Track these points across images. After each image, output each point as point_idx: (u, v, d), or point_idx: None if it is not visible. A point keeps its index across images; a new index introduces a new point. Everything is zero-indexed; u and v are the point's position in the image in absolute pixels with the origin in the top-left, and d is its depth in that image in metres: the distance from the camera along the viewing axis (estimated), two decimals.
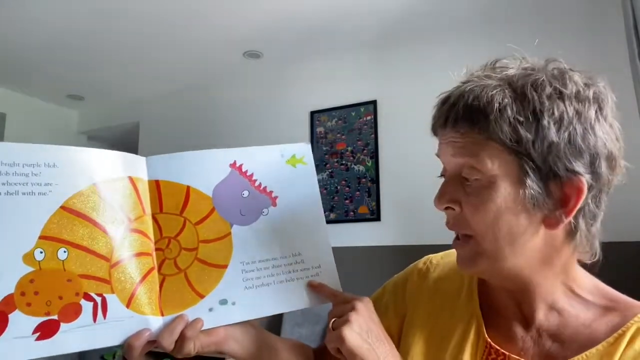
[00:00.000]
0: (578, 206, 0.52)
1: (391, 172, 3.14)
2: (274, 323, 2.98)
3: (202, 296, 0.62)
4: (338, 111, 3.40)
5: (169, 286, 0.61)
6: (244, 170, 0.68)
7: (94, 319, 0.55)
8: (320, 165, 3.40)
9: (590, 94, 0.53)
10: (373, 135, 3.23)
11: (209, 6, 2.76)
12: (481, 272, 0.59)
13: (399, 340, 0.70)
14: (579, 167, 0.51)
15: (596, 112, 0.52)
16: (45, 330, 0.53)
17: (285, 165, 0.71)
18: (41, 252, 0.54)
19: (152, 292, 0.60)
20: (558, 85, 0.52)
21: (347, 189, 3.28)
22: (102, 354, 3.15)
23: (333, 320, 0.59)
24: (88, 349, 0.55)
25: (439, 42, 3.07)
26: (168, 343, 0.58)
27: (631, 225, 2.28)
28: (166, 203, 0.64)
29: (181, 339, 0.59)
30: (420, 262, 0.77)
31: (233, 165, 0.68)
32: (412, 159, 2.99)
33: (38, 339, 0.52)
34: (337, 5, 2.76)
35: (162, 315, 0.60)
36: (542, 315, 0.59)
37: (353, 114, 3.34)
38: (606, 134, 0.53)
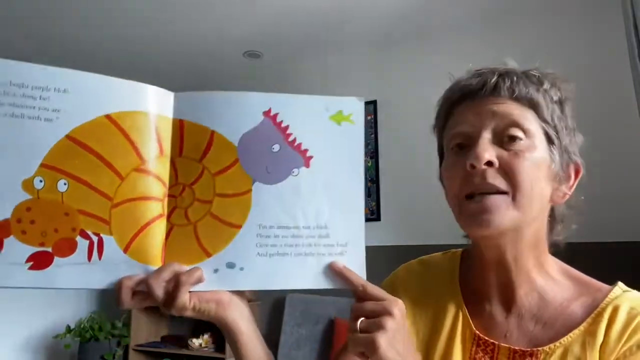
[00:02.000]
0: (576, 183, 0.63)
1: (391, 172, 3.16)
2: (274, 323, 3.03)
3: (209, 254, 0.56)
4: None
5: (175, 237, 0.56)
6: (278, 120, 0.59)
7: (89, 258, 0.52)
8: None
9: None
10: (373, 135, 3.22)
11: (208, 6, 2.77)
12: (504, 228, 0.58)
13: None
14: (577, 150, 0.63)
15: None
16: (39, 261, 0.51)
17: (328, 121, 0.60)
18: (41, 181, 0.51)
19: (156, 240, 0.55)
20: (568, 88, 0.63)
21: None
22: (103, 354, 3.26)
23: (361, 320, 0.53)
24: (80, 287, 0.53)
25: (439, 42, 3.07)
26: (157, 286, 0.52)
27: (631, 225, 2.33)
28: (187, 146, 0.57)
29: (175, 287, 0.53)
30: (403, 268, 0.78)
31: (267, 113, 0.58)
32: (412, 159, 3.00)
33: (31, 268, 0.51)
34: (337, 6, 2.77)
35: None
36: (522, 296, 0.63)
37: None
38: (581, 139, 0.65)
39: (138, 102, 0.55)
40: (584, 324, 0.58)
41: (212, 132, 0.57)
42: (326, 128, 0.59)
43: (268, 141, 0.58)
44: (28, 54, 3.30)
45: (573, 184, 0.63)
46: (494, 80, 0.60)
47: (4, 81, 0.50)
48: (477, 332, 0.63)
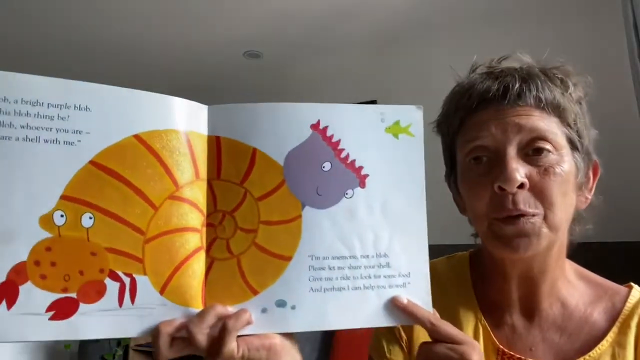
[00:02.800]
0: (595, 185, 0.60)
1: None
2: None
3: (255, 292, 0.49)
4: None
5: (217, 273, 0.49)
6: (328, 134, 0.51)
7: (120, 303, 0.45)
8: None
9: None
10: None
11: (208, 6, 2.75)
12: (539, 250, 0.55)
13: None
14: (593, 148, 0.59)
15: None
16: (61, 309, 0.43)
17: (385, 134, 0.53)
18: (62, 216, 0.43)
19: (195, 277, 0.48)
20: (580, 77, 0.59)
21: None
22: (103, 354, 3.19)
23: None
24: (110, 337, 0.45)
25: (438, 42, 3.03)
26: (200, 333, 0.45)
27: (631, 225, 2.30)
28: (225, 167, 0.50)
29: (221, 333, 0.45)
30: None
31: (315, 126, 0.51)
32: None
33: (52, 318, 0.43)
34: (337, 5, 2.74)
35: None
36: (547, 306, 0.60)
37: None
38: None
39: (168, 118, 0.48)
40: (611, 334, 0.57)
41: (254, 150, 0.50)
42: (382, 142, 0.52)
43: (318, 159, 0.51)
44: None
45: (592, 186, 0.60)
46: (517, 87, 0.55)
47: (14, 98, 0.42)
48: (501, 346, 0.59)
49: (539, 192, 0.53)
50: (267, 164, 0.50)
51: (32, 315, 0.42)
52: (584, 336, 0.58)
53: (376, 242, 0.51)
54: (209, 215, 0.49)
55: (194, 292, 0.47)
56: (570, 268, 0.63)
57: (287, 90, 3.82)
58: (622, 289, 0.61)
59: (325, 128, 0.51)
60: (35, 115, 0.43)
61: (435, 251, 0.69)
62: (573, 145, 0.56)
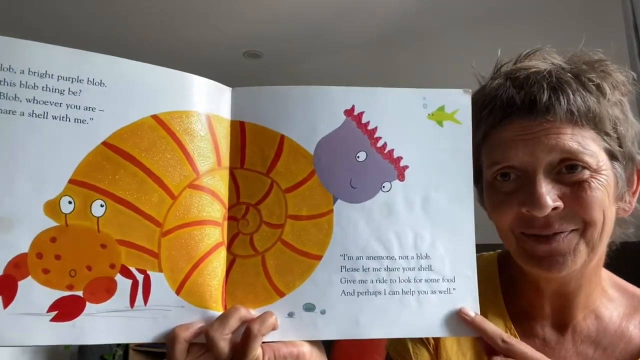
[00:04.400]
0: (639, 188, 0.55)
1: None
2: None
3: (281, 294, 0.44)
4: None
5: (239, 271, 0.44)
6: (364, 121, 0.47)
7: (131, 303, 0.40)
8: None
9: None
10: None
11: (208, 6, 2.75)
12: (575, 269, 0.51)
13: None
14: (637, 147, 0.54)
15: None
16: (65, 310, 0.38)
17: (427, 120, 0.48)
18: (70, 202, 0.38)
19: (215, 276, 0.43)
20: (619, 74, 0.53)
21: None
22: (102, 354, 3.13)
23: None
24: (118, 342, 0.40)
25: (439, 42, 2.99)
26: (222, 339, 0.40)
27: (631, 226, 2.06)
28: (250, 156, 0.45)
29: (245, 338, 0.40)
30: None
31: (350, 112, 0.47)
32: None
33: (54, 319, 0.38)
34: (337, 5, 2.71)
35: (225, 310, 0.43)
36: (581, 320, 0.57)
37: None
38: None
39: (190, 98, 0.43)
40: None
41: (282, 137, 0.45)
42: (424, 130, 0.48)
43: (352, 148, 0.46)
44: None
45: (637, 189, 0.55)
46: (545, 98, 0.49)
47: (20, 68, 0.38)
48: None
49: (576, 209, 0.49)
50: (296, 153, 0.45)
51: (31, 315, 0.37)
52: (619, 352, 0.55)
53: (416, 242, 0.46)
54: (230, 207, 0.44)
55: (213, 293, 0.42)
56: (607, 277, 0.59)
57: None
58: None
59: (361, 114, 0.47)
60: (43, 88, 0.38)
61: None
62: (612, 156, 0.51)
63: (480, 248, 0.65)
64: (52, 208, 0.38)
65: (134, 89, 0.41)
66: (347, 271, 0.45)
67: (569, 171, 0.49)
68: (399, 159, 0.47)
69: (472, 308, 0.46)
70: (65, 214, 0.38)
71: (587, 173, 0.49)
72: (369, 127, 0.47)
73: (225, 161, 0.45)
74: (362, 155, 0.46)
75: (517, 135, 0.50)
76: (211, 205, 0.43)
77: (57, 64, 0.38)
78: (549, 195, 0.48)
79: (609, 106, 0.50)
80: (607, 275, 0.60)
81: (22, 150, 0.37)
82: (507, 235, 0.53)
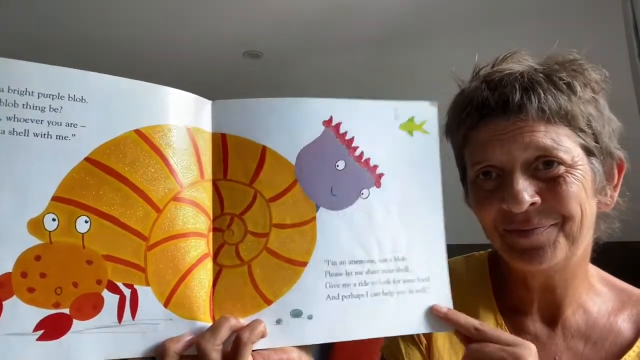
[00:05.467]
0: (620, 182, 0.57)
1: None
2: None
3: (268, 301, 0.45)
4: None
5: (226, 282, 0.44)
6: (342, 131, 0.48)
7: (119, 318, 0.40)
8: None
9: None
10: None
11: (208, 6, 2.74)
12: (556, 262, 0.52)
13: None
14: (616, 143, 0.56)
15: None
16: (52, 328, 0.38)
17: (399, 130, 0.50)
18: (54, 220, 0.38)
19: (202, 287, 0.43)
20: (593, 73, 0.55)
21: None
22: None
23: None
24: (107, 358, 0.40)
25: (439, 42, 2.96)
26: (213, 350, 0.40)
27: (631, 225, 2.05)
28: (233, 167, 0.46)
29: (235, 347, 0.41)
30: None
31: (328, 122, 0.48)
32: None
33: (41, 338, 0.38)
34: (337, 5, 2.68)
35: (214, 320, 0.44)
36: (570, 314, 0.58)
37: None
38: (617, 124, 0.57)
39: (171, 112, 0.44)
40: (638, 344, 0.55)
41: (264, 148, 0.46)
42: (397, 139, 0.50)
43: (331, 157, 0.48)
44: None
45: (618, 184, 0.57)
46: (517, 98, 0.51)
47: (0, 86, 0.37)
48: None
49: (553, 204, 0.51)
50: (278, 163, 0.46)
51: (17, 335, 0.37)
52: (609, 345, 0.56)
53: (394, 245, 0.48)
54: (215, 218, 0.45)
55: (201, 304, 0.43)
56: (595, 272, 0.61)
57: (287, 90, 3.82)
58: None
59: (338, 124, 0.48)
60: (23, 105, 0.38)
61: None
62: (589, 151, 0.53)
63: (474, 248, 0.70)
64: (36, 226, 0.38)
65: (115, 104, 0.41)
66: (332, 276, 0.46)
67: (545, 167, 0.51)
68: (375, 167, 0.49)
69: (445, 303, 0.48)
70: (50, 232, 0.38)
71: (562, 168, 0.51)
72: (347, 137, 0.49)
73: (208, 173, 0.45)
74: (341, 164, 0.48)
75: (494, 136, 0.52)
76: (196, 217, 0.43)
77: (36, 81, 0.38)
78: (526, 192, 0.50)
79: (581, 103, 0.52)
80: (594, 270, 0.61)
81: (4, 169, 0.37)
82: (491, 232, 0.55)
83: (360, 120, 0.49)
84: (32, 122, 0.38)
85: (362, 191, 0.48)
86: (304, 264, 0.46)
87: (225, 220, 0.45)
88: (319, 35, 3.15)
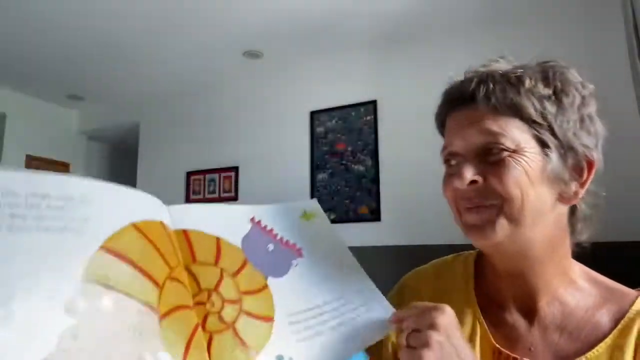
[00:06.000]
0: (590, 179, 0.58)
1: (391, 172, 3.14)
2: None
3: (257, 352, 0.53)
4: (338, 111, 3.36)
5: (218, 345, 0.51)
6: (262, 225, 0.65)
7: None
8: (320, 165, 3.34)
9: (587, 92, 0.60)
10: (373, 135, 3.23)
11: (208, 6, 2.75)
12: (498, 240, 0.57)
13: None
14: (590, 142, 0.58)
15: (593, 107, 0.60)
16: None
17: (300, 219, 0.70)
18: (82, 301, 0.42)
19: (203, 353, 0.49)
20: (569, 76, 0.59)
21: (347, 189, 3.21)
22: None
23: (409, 334, 0.52)
24: None
25: (439, 43, 3.07)
26: None
27: (631, 225, 2.28)
28: (198, 253, 0.56)
29: None
30: (406, 284, 0.77)
31: (252, 220, 0.65)
32: (412, 159, 3.00)
33: None
34: (337, 5, 2.78)
35: None
36: (545, 305, 0.60)
37: (353, 114, 3.32)
38: (601, 126, 0.60)
39: (155, 211, 0.54)
40: (611, 337, 0.55)
41: (217, 238, 0.59)
42: (302, 225, 0.69)
43: (263, 243, 0.63)
44: None
45: (586, 180, 0.58)
46: (471, 88, 0.58)
47: (28, 192, 0.43)
48: (498, 345, 0.60)
49: (494, 185, 0.56)
50: (230, 249, 0.59)
51: None
52: (585, 336, 0.56)
53: (330, 290, 0.63)
54: (194, 295, 0.53)
55: None
56: (579, 270, 0.62)
57: (286, 90, 3.53)
58: (631, 292, 0.59)
59: (259, 221, 0.65)
60: (46, 207, 0.44)
61: (439, 250, 0.78)
62: (543, 143, 0.56)
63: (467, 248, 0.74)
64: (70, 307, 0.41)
65: (115, 204, 0.49)
66: (294, 324, 0.58)
67: (491, 152, 0.57)
68: (294, 244, 0.66)
69: (386, 312, 0.62)
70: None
71: (505, 153, 0.55)
72: (267, 229, 0.65)
73: (182, 260, 0.54)
74: (271, 246, 0.64)
75: (456, 124, 0.60)
76: (185, 293, 0.51)
77: (53, 188, 0.45)
78: (470, 171, 0.57)
79: (534, 98, 0.56)
80: (579, 268, 0.63)
81: (38, 262, 0.41)
82: (454, 212, 0.61)
83: (273, 217, 0.67)
84: (55, 219, 0.44)
85: (292, 261, 0.64)
86: (272, 319, 0.57)
87: (204, 295, 0.54)
88: (319, 35, 3.12)
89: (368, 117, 3.29)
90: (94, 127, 4.74)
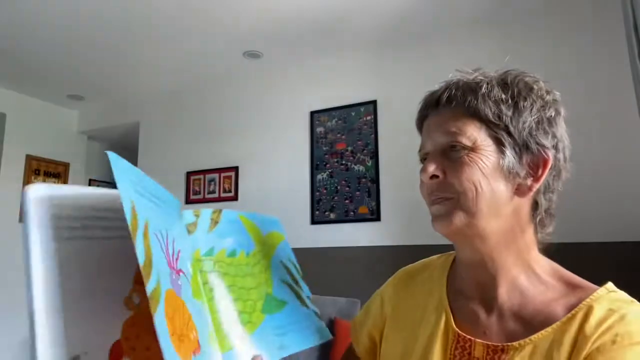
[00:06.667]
0: (545, 176, 0.62)
1: (391, 172, 3.14)
2: None
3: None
4: (338, 111, 3.36)
5: None
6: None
7: None
8: (320, 165, 3.34)
9: (551, 98, 0.65)
10: (373, 135, 3.23)
11: (208, 6, 2.75)
12: (456, 227, 0.62)
13: (379, 346, 0.76)
14: (547, 142, 0.62)
15: (555, 111, 0.64)
16: None
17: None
18: (137, 296, 0.51)
19: None
20: (530, 83, 0.64)
21: (347, 189, 3.22)
22: None
23: None
24: None
25: (438, 42, 3.09)
26: None
27: (630, 225, 2.28)
28: None
29: None
30: (395, 276, 0.84)
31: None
32: (412, 159, 2.93)
33: None
34: (337, 5, 2.79)
35: None
36: (504, 294, 0.64)
37: (353, 114, 3.32)
38: (565, 131, 0.65)
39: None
40: (558, 323, 0.58)
41: None
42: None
43: None
44: None
45: (541, 176, 0.62)
46: (437, 95, 0.66)
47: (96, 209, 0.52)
48: (458, 330, 0.65)
49: (450, 179, 0.62)
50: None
51: None
52: (536, 324, 0.59)
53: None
54: None
55: None
56: (546, 265, 0.66)
57: (286, 90, 3.54)
58: (593, 287, 0.61)
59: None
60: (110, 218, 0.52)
61: (438, 250, 0.81)
62: (499, 142, 0.62)
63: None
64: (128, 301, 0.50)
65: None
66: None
67: (451, 151, 0.63)
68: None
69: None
70: (136, 304, 0.51)
71: (463, 152, 0.62)
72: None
73: None
74: None
75: (427, 128, 0.68)
76: None
77: (109, 204, 0.54)
78: (432, 166, 0.63)
79: (490, 101, 0.62)
80: (547, 263, 0.66)
81: (109, 261, 0.50)
82: (427, 204, 0.67)
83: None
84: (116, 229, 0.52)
85: None
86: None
87: None
88: (319, 35, 3.13)
89: (368, 117, 3.29)
90: (94, 127, 4.75)
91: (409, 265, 0.83)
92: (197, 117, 4.11)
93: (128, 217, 0.44)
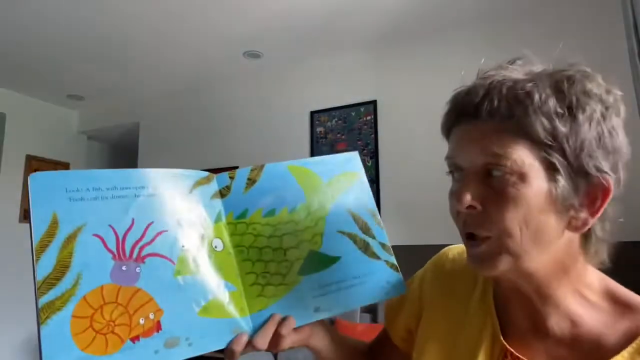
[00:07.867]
0: (604, 207, 0.51)
1: (391, 172, 3.14)
2: None
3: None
4: (338, 111, 3.36)
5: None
6: None
7: None
8: None
9: (611, 99, 0.52)
10: (373, 135, 3.23)
11: (208, 6, 2.76)
12: (500, 272, 0.54)
13: (415, 338, 0.69)
14: (606, 167, 0.50)
15: (616, 118, 0.52)
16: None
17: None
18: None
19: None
20: (588, 84, 0.50)
21: None
22: None
23: None
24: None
25: (439, 42, 3.08)
26: (262, 344, 0.59)
27: (631, 225, 2.26)
28: None
29: (276, 338, 0.60)
30: (437, 257, 0.74)
31: None
32: (412, 159, 3.02)
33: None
34: (337, 5, 2.80)
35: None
36: (554, 324, 0.56)
37: (353, 114, 3.32)
38: (624, 140, 0.52)
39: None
40: (624, 353, 0.51)
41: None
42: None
43: None
44: None
45: (599, 208, 0.51)
46: (476, 102, 0.52)
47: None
48: (507, 345, 0.57)
49: (491, 215, 0.51)
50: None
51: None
52: (593, 354, 0.52)
53: None
54: None
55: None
56: (598, 286, 0.57)
57: (286, 90, 3.54)
58: None
59: None
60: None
61: (438, 251, 0.75)
62: (552, 167, 0.49)
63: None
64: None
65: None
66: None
67: (493, 176, 0.51)
68: None
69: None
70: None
71: (507, 180, 0.50)
72: None
73: None
74: None
75: (459, 138, 0.54)
76: None
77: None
78: (469, 195, 0.51)
79: (543, 116, 0.49)
80: (602, 285, 0.57)
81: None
82: (458, 228, 0.56)
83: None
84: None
85: None
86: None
87: None
88: (319, 35, 3.13)
89: (368, 117, 3.29)
90: (94, 127, 4.77)
91: (448, 250, 0.73)
92: (197, 117, 4.11)
93: (40, 232, 0.49)
